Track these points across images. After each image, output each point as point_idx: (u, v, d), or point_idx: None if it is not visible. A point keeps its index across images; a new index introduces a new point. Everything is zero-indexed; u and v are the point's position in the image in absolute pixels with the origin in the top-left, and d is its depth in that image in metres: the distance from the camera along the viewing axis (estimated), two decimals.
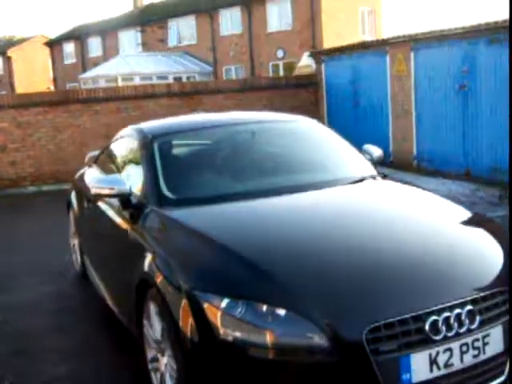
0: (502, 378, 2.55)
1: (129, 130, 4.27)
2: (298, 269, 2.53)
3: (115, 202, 3.61)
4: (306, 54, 15.22)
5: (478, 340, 2.45)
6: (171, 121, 4.47)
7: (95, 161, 5.00)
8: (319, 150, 4.10)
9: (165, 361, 2.86)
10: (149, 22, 30.37)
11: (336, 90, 12.62)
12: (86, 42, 33.61)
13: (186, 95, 12.14)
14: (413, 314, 2.36)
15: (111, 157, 4.53)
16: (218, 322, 2.40)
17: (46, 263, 5.82)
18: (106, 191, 3.42)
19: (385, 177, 3.90)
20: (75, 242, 5.32)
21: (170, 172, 3.53)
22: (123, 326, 3.69)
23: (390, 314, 2.35)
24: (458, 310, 2.42)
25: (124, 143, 4.26)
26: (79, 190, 5.02)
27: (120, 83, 22.09)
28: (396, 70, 10.68)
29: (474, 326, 2.44)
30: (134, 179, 3.63)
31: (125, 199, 3.43)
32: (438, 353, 2.36)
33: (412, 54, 10.22)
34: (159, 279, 2.78)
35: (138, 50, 30.44)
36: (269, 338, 2.32)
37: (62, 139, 11.28)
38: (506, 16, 8.15)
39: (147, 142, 3.74)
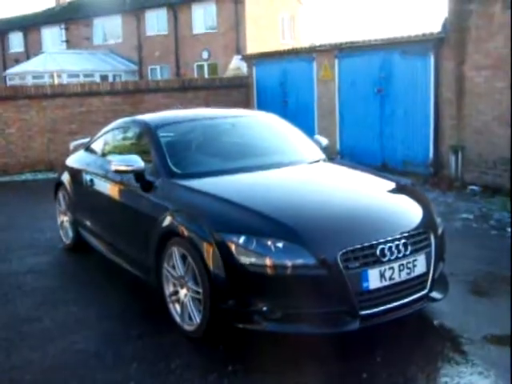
0: (424, 292, 3.78)
1: (128, 121, 5.26)
2: (290, 214, 3.64)
3: (122, 178, 4.61)
4: (237, 57, 16.40)
5: (409, 263, 3.65)
6: (164, 114, 5.47)
7: (87, 148, 5.89)
8: (282, 138, 5.26)
9: (185, 291, 3.88)
10: (73, 19, 30.45)
11: (266, 91, 13.84)
12: (7, 37, 33.06)
13: (128, 93, 12.95)
14: (368, 244, 3.53)
15: (111, 143, 5.46)
16: (237, 252, 3.46)
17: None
18: (126, 168, 4.37)
19: (332, 159, 5.10)
20: (64, 218, 6.14)
21: (173, 153, 4.55)
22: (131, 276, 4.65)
23: (354, 243, 3.51)
24: (396, 242, 3.61)
25: (125, 132, 5.23)
26: (75, 171, 5.86)
27: (47, 80, 22.24)
28: (322, 75, 12.03)
29: (407, 253, 3.64)
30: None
31: (140, 174, 4.40)
32: (384, 270, 3.54)
33: (336, 61, 11.60)
34: (184, 228, 3.79)
35: (62, 47, 30.43)
36: (269, 261, 3.40)
37: (9, 133, 11.78)
38: (417, 31, 9.67)
39: (152, 130, 4.73)
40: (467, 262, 5.26)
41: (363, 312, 3.48)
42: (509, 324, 3.86)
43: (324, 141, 5.45)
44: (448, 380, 3.31)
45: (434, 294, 3.85)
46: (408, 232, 3.73)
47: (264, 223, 3.59)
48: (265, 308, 3.44)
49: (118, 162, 4.43)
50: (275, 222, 3.58)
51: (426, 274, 3.77)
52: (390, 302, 3.59)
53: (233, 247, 3.50)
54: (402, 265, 3.62)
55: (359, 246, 3.50)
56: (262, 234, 3.51)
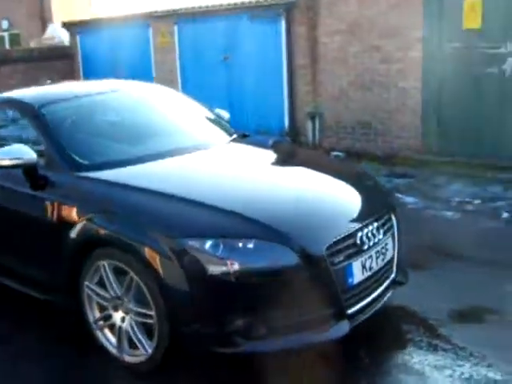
0: (392, 275, 3.43)
1: None
2: (256, 208, 3.01)
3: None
4: (53, 25, 14.64)
5: (383, 248, 3.27)
6: (38, 91, 4.34)
7: None
8: (186, 113, 4.51)
9: (121, 314, 3.08)
10: None
11: (95, 62, 12.53)
12: None
13: None
14: (348, 233, 3.06)
15: None
16: (203, 261, 2.76)
17: None
18: (12, 162, 3.34)
19: (246, 136, 4.50)
20: None
21: (70, 139, 3.59)
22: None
23: (335, 234, 3.01)
24: (371, 227, 3.20)
25: None
26: None
27: None
28: (160, 42, 11.17)
29: (380, 237, 3.24)
30: None
31: (31, 169, 3.39)
32: (365, 259, 3.11)
33: (176, 28, 10.81)
34: (117, 236, 2.97)
35: None
36: (243, 267, 2.76)
37: None
38: None
39: (36, 111, 3.68)
40: None
41: (349, 311, 3.02)
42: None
43: (225, 114, 4.82)
44: (450, 372, 3.02)
45: (400, 278, 3.53)
46: (378, 214, 3.33)
47: (229, 221, 2.92)
48: (245, 324, 2.80)
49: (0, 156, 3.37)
50: (243, 219, 2.92)
51: (392, 258, 3.43)
52: (369, 295, 3.19)
53: (197, 255, 2.78)
54: (378, 251, 3.23)
55: (341, 237, 3.02)
56: (230, 234, 2.85)
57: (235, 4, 9.74)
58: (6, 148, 3.46)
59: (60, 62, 12.70)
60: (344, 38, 8.64)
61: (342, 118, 8.93)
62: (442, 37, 7.68)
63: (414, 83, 8.05)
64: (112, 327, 3.16)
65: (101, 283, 3.14)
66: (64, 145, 3.49)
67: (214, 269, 2.76)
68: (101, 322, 3.21)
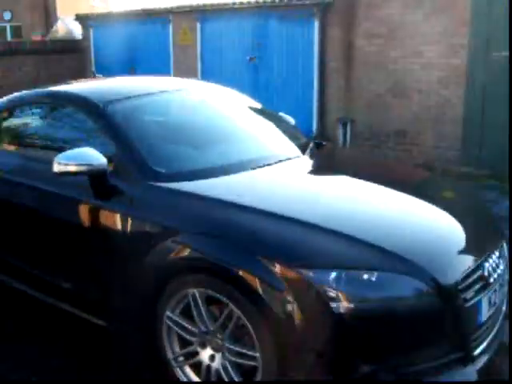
0: (504, 308, 2.99)
1: (48, 96, 3.62)
2: (378, 234, 2.57)
3: (62, 184, 3.09)
4: (64, 17, 14.13)
5: (502, 279, 2.85)
6: (100, 85, 3.88)
7: None
8: (257, 118, 4.04)
9: (210, 352, 2.64)
10: None
11: (108, 58, 12.03)
12: None
13: None
14: (477, 264, 2.64)
15: (21, 132, 3.73)
16: (327, 294, 2.32)
17: None
18: (79, 168, 2.88)
19: (321, 144, 4.05)
20: None
21: (144, 143, 3.11)
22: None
23: (464, 266, 2.59)
24: (494, 256, 2.78)
25: (45, 114, 3.57)
26: None
27: None
28: (180, 39, 10.71)
29: (502, 268, 2.82)
30: None
31: (101, 176, 2.94)
32: (491, 294, 2.69)
33: (198, 25, 10.36)
34: (218, 261, 2.51)
35: None
36: (373, 302, 2.35)
37: None
38: None
39: (103, 110, 3.20)
40: None
41: (475, 352, 2.60)
42: None
43: (291, 120, 4.37)
44: None
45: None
46: (497, 242, 2.92)
47: (351, 249, 2.47)
48: (371, 371, 2.36)
49: (64, 160, 2.90)
50: (366, 246, 2.48)
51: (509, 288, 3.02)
52: (490, 332, 2.77)
53: (319, 288, 2.34)
54: (500, 284, 2.81)
55: (470, 270, 2.60)
56: (354, 265, 2.42)
57: (265, 2, 9.29)
58: (70, 152, 2.95)
59: (69, 57, 12.20)
60: (383, 43, 8.24)
61: (377, 125, 8.52)
62: (487, 44, 7.31)
63: (456, 92, 7.67)
64: (197, 366, 2.71)
65: (186, 314, 2.69)
66: (138, 150, 3.03)
67: (338, 305, 2.32)
68: (181, 358, 2.76)
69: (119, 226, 2.91)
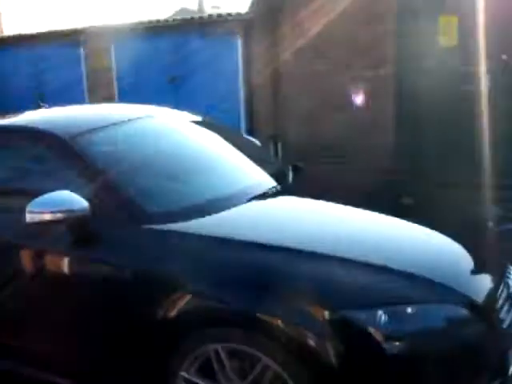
0: None
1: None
2: (411, 264, 2.36)
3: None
4: None
5: None
6: (62, 114, 3.40)
7: None
8: (231, 145, 3.67)
9: None
10: None
11: (8, 85, 11.19)
12: None
13: None
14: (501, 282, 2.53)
15: None
16: (377, 335, 2.08)
17: None
18: (57, 216, 2.45)
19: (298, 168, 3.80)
20: None
21: (126, 180, 2.73)
22: None
23: (488, 286, 2.46)
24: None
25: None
26: None
27: None
28: (93, 62, 10.16)
29: None
30: None
31: (81, 223, 2.52)
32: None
33: (113, 47, 9.87)
34: (238, 310, 2.20)
35: None
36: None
37: None
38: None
39: (72, 144, 2.76)
40: None
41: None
42: None
43: (257, 142, 4.13)
44: None
45: None
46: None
47: (390, 282, 2.25)
48: None
49: (38, 208, 2.46)
50: (403, 277, 2.26)
51: None
52: None
53: (370, 330, 2.09)
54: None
55: (501, 288, 2.48)
56: (396, 299, 2.20)
57: (184, 20, 9.02)
58: (44, 197, 2.47)
59: None
60: (310, 56, 8.20)
61: (308, 141, 8.44)
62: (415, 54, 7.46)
63: (385, 102, 7.77)
64: None
65: (203, 372, 2.34)
66: (120, 188, 2.65)
67: (389, 346, 2.09)
68: None
69: (109, 278, 2.51)
